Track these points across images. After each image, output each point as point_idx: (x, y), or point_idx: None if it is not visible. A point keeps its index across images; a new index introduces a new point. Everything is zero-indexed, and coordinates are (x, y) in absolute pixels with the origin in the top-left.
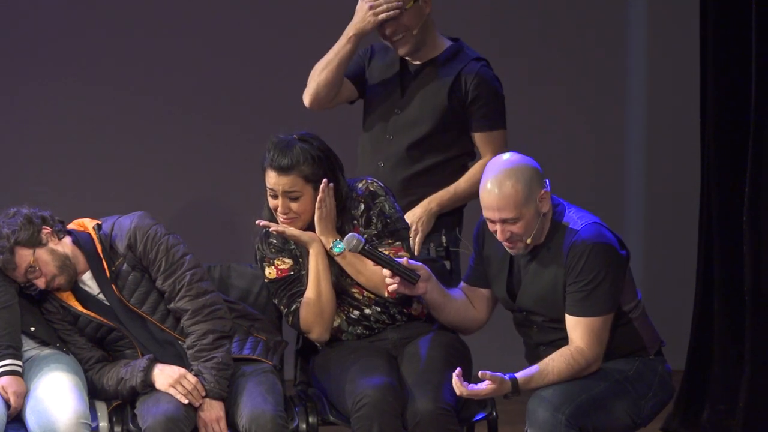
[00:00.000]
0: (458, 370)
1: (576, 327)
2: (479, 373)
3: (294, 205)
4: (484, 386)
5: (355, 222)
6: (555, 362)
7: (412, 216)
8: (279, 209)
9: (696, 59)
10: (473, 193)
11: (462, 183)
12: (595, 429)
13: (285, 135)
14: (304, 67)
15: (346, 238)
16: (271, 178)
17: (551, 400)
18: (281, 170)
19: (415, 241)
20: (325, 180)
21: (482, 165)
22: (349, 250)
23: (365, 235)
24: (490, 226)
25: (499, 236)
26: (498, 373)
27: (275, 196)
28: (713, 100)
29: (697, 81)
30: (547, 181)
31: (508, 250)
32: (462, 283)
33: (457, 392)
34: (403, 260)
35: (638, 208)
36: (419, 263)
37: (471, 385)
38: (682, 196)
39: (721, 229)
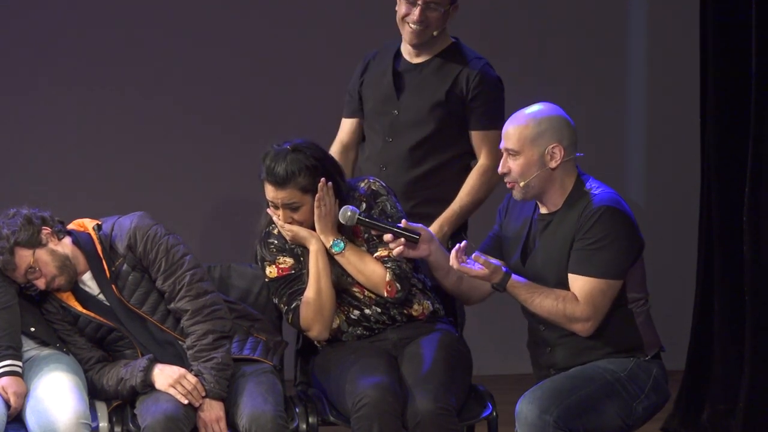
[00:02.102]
0: (463, 243)
1: (574, 283)
2: (473, 255)
3: (295, 215)
4: (478, 268)
5: None
6: (547, 291)
7: None
8: (281, 219)
9: (696, 59)
10: (477, 203)
11: (464, 197)
12: (585, 430)
13: (278, 146)
14: (305, 68)
15: (340, 212)
16: (269, 192)
17: (539, 401)
18: (277, 184)
19: None
20: (323, 179)
21: (479, 173)
22: (346, 223)
23: (365, 234)
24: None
25: (499, 167)
26: (495, 262)
27: (276, 207)
28: (713, 100)
29: (697, 81)
30: (578, 153)
31: (512, 192)
32: (475, 253)
33: (450, 262)
34: (402, 222)
35: (638, 207)
36: (419, 224)
37: (469, 260)
38: (682, 196)
39: (721, 229)
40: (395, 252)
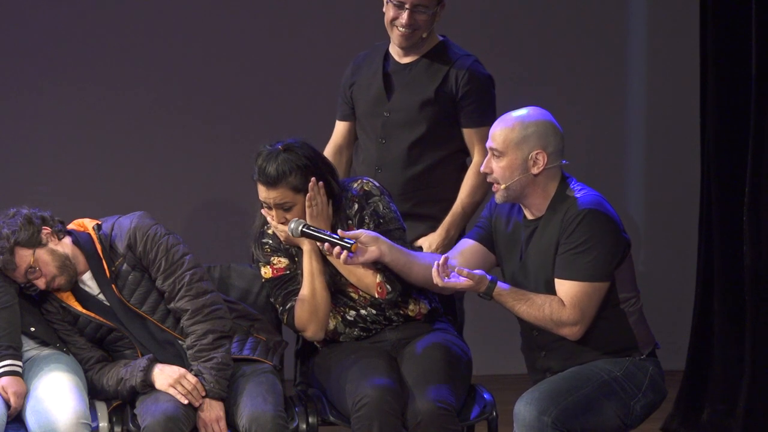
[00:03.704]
0: (443, 258)
1: (560, 288)
2: (456, 269)
3: (288, 215)
4: (462, 281)
5: (350, 222)
6: (533, 297)
7: (433, 248)
8: (274, 219)
9: (696, 59)
10: (479, 201)
11: (465, 198)
12: (584, 430)
13: (270, 146)
14: (303, 68)
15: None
16: (262, 192)
17: (537, 402)
18: (269, 184)
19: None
20: (313, 179)
21: (475, 171)
22: (292, 235)
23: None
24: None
25: (482, 166)
26: (477, 272)
27: (269, 207)
28: (713, 100)
29: (697, 81)
30: (564, 160)
31: (495, 195)
32: (465, 240)
33: (434, 280)
34: (338, 232)
35: (638, 208)
36: (360, 230)
37: (453, 275)
38: (682, 196)
39: (721, 229)
40: (341, 259)
